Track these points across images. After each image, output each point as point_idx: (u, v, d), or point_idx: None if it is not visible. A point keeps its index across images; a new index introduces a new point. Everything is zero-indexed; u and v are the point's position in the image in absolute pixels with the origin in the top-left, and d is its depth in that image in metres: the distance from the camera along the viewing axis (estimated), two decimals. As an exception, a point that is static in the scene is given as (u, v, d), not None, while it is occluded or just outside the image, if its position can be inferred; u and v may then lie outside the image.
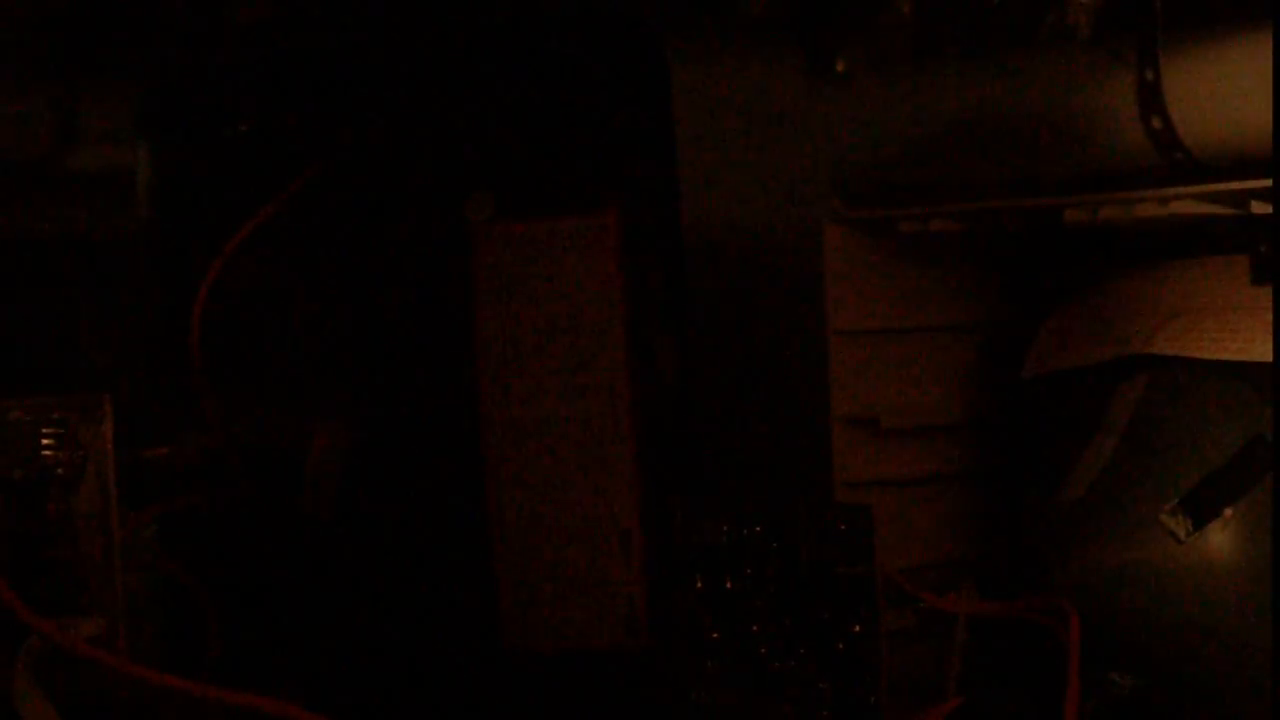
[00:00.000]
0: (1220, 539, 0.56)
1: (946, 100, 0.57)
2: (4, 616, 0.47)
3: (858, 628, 0.52)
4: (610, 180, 0.57)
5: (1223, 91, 0.53)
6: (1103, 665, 0.56)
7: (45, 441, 0.50)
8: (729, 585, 0.54)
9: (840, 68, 0.67)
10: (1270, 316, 0.54)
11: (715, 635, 0.54)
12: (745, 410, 0.55)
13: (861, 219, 0.58)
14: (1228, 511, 0.56)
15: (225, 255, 0.60)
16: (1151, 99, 0.54)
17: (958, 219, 0.57)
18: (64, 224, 0.69)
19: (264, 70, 0.66)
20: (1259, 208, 0.53)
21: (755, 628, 0.53)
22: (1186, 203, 0.54)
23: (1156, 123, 0.54)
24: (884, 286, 0.59)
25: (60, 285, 0.69)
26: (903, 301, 0.60)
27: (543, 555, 0.56)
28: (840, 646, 0.53)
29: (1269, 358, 0.54)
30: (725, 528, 0.54)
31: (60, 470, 0.50)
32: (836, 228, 0.57)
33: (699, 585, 0.54)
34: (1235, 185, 0.53)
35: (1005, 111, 0.56)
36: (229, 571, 0.58)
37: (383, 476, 0.57)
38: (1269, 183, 0.52)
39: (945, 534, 0.61)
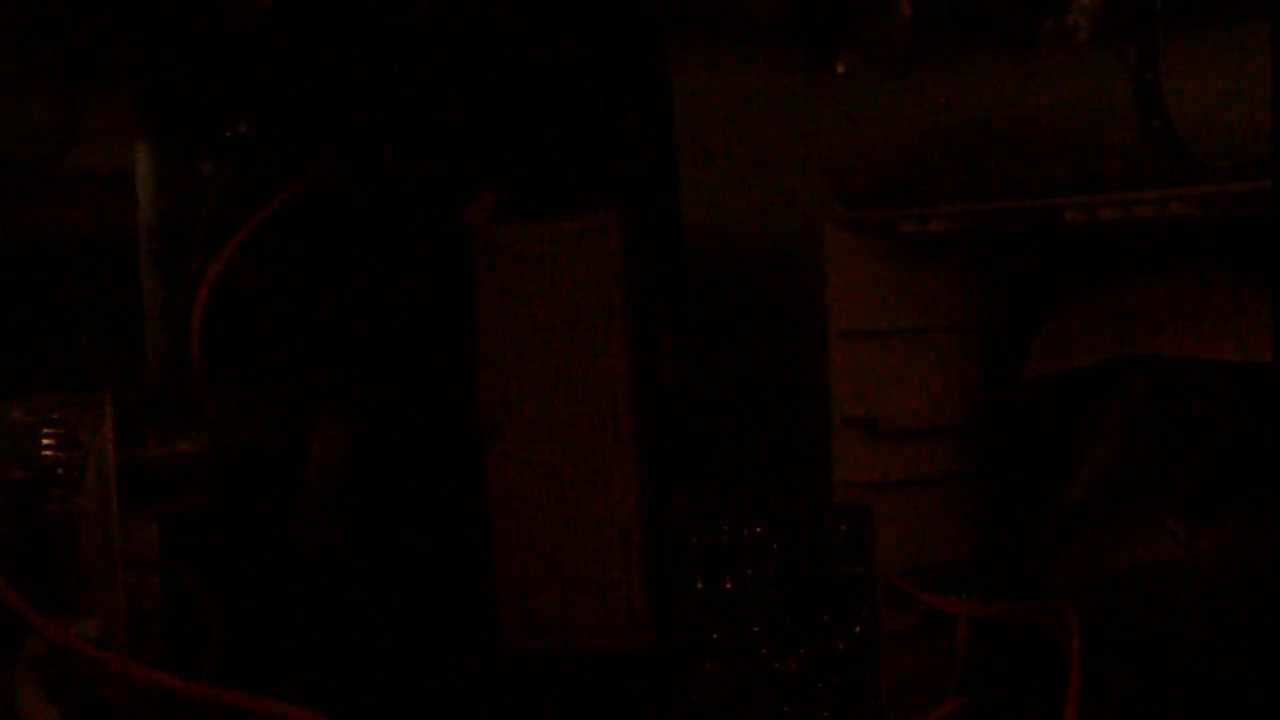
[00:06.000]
0: (1220, 539, 0.56)
1: (946, 100, 0.57)
2: (4, 616, 0.47)
3: (858, 628, 0.52)
4: (610, 180, 0.57)
5: (1222, 93, 0.53)
6: (1103, 665, 0.56)
7: (45, 441, 0.50)
8: (729, 585, 0.54)
9: (840, 68, 0.67)
10: (1270, 317, 0.54)
11: (715, 635, 0.54)
12: (745, 410, 0.55)
13: (861, 219, 0.58)
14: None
15: (225, 255, 0.60)
16: (1151, 100, 0.54)
17: (958, 219, 0.57)
18: (64, 224, 0.69)
19: (264, 71, 0.66)
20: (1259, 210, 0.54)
21: (755, 628, 0.53)
22: (1185, 204, 0.54)
23: (1156, 124, 0.54)
24: (884, 287, 0.59)
25: (60, 285, 0.69)
26: (903, 302, 0.60)
27: (543, 555, 0.56)
28: (840, 647, 0.53)
29: (1268, 358, 0.54)
30: (725, 528, 0.54)
31: (60, 470, 0.50)
32: (836, 228, 0.57)
33: (699, 585, 0.54)
34: (1235, 187, 0.53)
35: (1005, 112, 0.56)
36: (229, 571, 0.58)
37: (382, 477, 0.57)
38: (1268, 184, 0.52)
39: (945, 535, 0.61)
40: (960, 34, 0.65)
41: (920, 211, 0.57)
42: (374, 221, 0.60)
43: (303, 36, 0.66)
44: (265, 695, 0.48)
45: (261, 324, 0.60)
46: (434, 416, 0.57)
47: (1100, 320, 0.60)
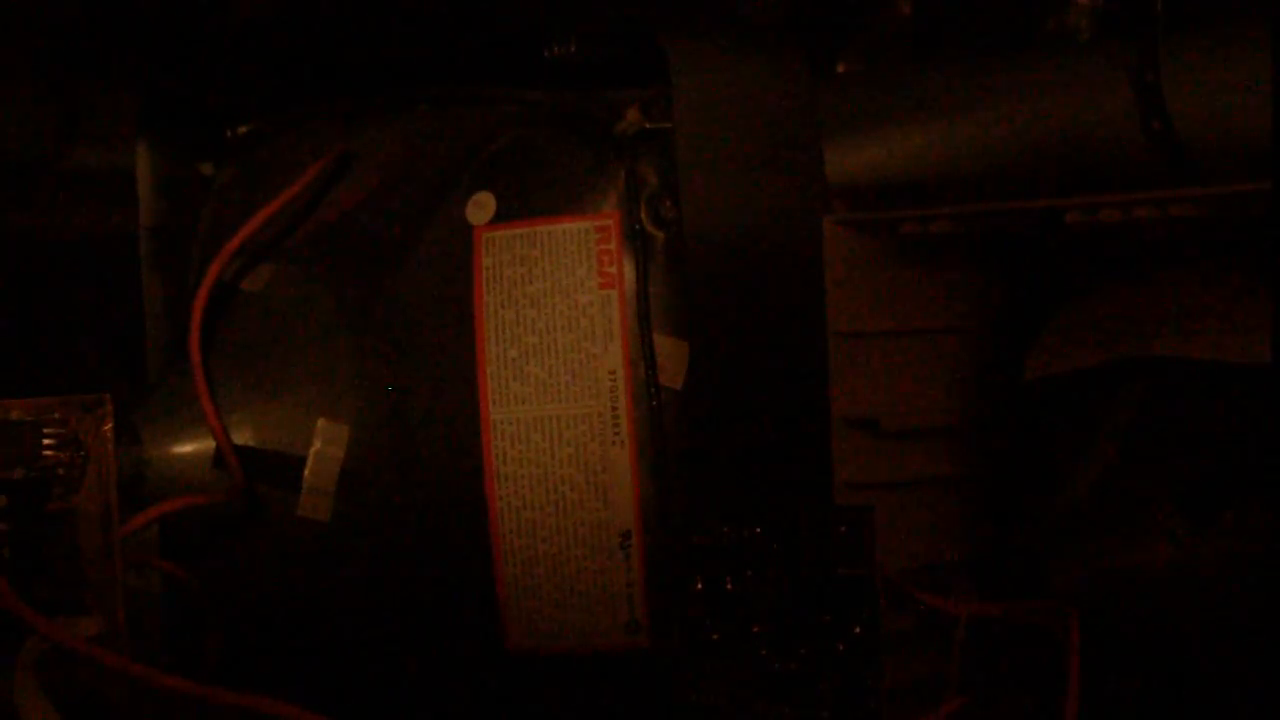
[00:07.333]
0: (1220, 539, 0.56)
1: (946, 101, 0.57)
2: (4, 616, 0.47)
3: (858, 629, 0.52)
4: (610, 180, 0.57)
5: (1223, 94, 0.53)
6: (1103, 665, 0.57)
7: (45, 441, 0.50)
8: (729, 586, 0.54)
9: (840, 68, 0.67)
10: (1270, 317, 0.54)
11: (715, 635, 0.54)
12: (745, 410, 0.55)
13: (861, 220, 0.58)
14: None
15: (225, 255, 0.60)
16: (1151, 101, 0.54)
17: (958, 220, 0.57)
18: (64, 224, 0.69)
19: (264, 69, 0.66)
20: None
21: (755, 628, 0.53)
22: (1185, 205, 0.54)
23: (1156, 125, 0.54)
24: (884, 288, 0.59)
25: (60, 285, 0.69)
26: (903, 303, 0.60)
27: (543, 556, 0.56)
28: (840, 647, 0.53)
29: (1268, 359, 0.54)
30: (725, 528, 0.54)
31: (60, 470, 0.50)
32: (836, 228, 0.57)
33: (699, 585, 0.54)
34: (1235, 188, 0.53)
35: (1005, 113, 0.56)
36: (229, 572, 0.58)
37: (382, 477, 0.57)
38: (1268, 184, 0.52)
39: (945, 536, 0.61)
40: (960, 34, 0.65)
41: (920, 211, 0.57)
42: (374, 221, 0.60)
43: (302, 34, 0.66)
44: (265, 695, 0.48)
45: (262, 324, 0.60)
46: (434, 416, 0.57)
47: (1100, 321, 0.60)
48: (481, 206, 0.58)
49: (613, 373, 0.56)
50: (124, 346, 0.65)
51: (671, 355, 0.56)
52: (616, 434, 0.55)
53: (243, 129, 0.67)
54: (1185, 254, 0.60)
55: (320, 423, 0.57)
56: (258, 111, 0.67)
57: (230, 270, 0.61)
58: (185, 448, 0.59)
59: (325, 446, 0.57)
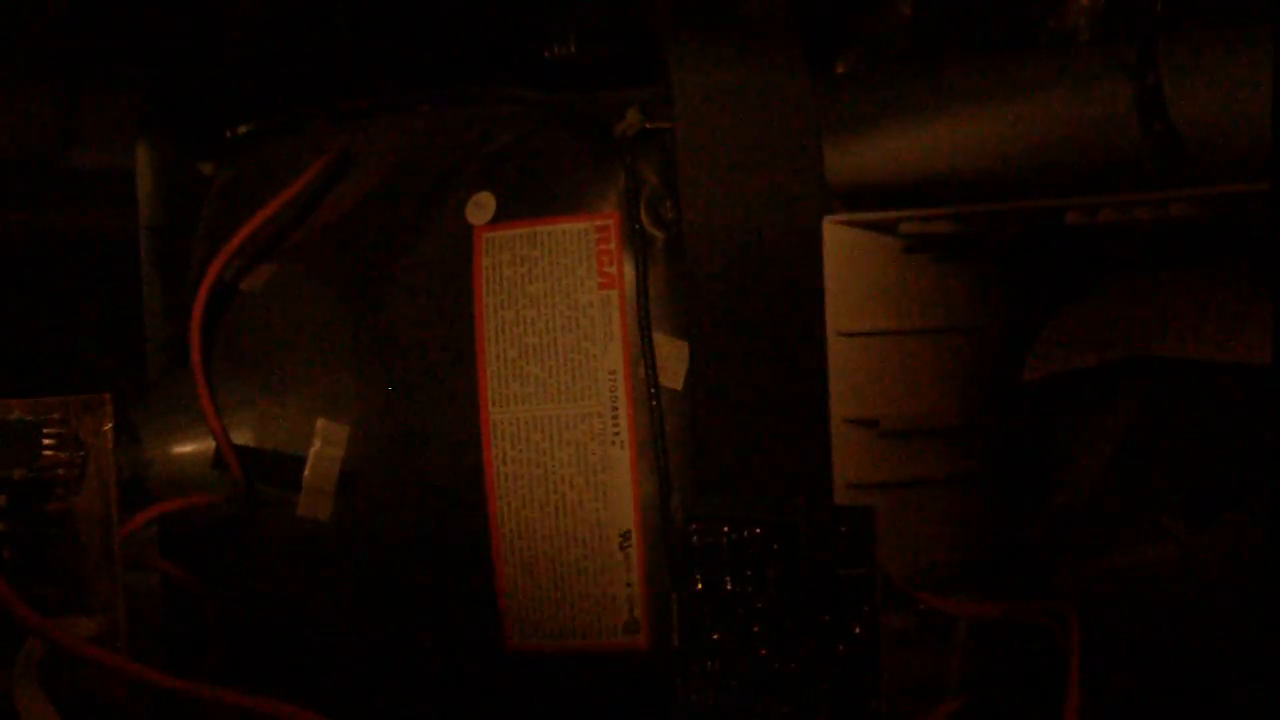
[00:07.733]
0: (1220, 539, 0.56)
1: (946, 101, 0.57)
2: (4, 616, 0.47)
3: (858, 629, 0.53)
4: (610, 180, 0.57)
5: (1223, 94, 0.53)
6: (1103, 665, 0.57)
7: (46, 441, 0.50)
8: (729, 586, 0.54)
9: (840, 68, 0.67)
10: (1270, 317, 0.54)
11: (715, 635, 0.54)
12: (745, 410, 0.55)
13: (861, 220, 0.58)
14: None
15: (225, 255, 0.60)
16: (1152, 102, 0.54)
17: (958, 220, 0.57)
18: (64, 224, 0.69)
19: (264, 69, 0.66)
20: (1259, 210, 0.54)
21: (755, 628, 0.53)
22: (1185, 205, 0.54)
23: (1158, 126, 0.54)
24: (884, 287, 0.59)
25: (60, 285, 0.69)
26: (903, 303, 0.60)
27: (542, 556, 0.56)
28: (840, 647, 0.53)
29: (1268, 359, 0.54)
30: (725, 529, 0.54)
31: (60, 470, 0.50)
32: (836, 228, 0.57)
33: (699, 585, 0.54)
34: (1235, 188, 0.53)
35: (1005, 112, 0.56)
36: (229, 572, 0.58)
37: (382, 477, 0.57)
38: (1269, 185, 0.52)
39: (945, 536, 0.61)
40: (960, 34, 0.65)
41: (920, 212, 0.57)
42: (374, 221, 0.60)
43: (302, 35, 0.66)
44: (265, 695, 0.48)
45: (262, 323, 0.60)
46: (434, 416, 0.57)
47: (1100, 320, 0.60)
48: (481, 206, 0.58)
49: (613, 373, 0.56)
50: (124, 346, 0.65)
51: (671, 355, 0.56)
52: (616, 434, 0.55)
53: (243, 129, 0.67)
54: (1185, 254, 0.60)
55: (320, 423, 0.57)
56: (258, 111, 0.67)
57: (230, 270, 0.61)
58: (185, 448, 0.59)
59: (325, 446, 0.57)
